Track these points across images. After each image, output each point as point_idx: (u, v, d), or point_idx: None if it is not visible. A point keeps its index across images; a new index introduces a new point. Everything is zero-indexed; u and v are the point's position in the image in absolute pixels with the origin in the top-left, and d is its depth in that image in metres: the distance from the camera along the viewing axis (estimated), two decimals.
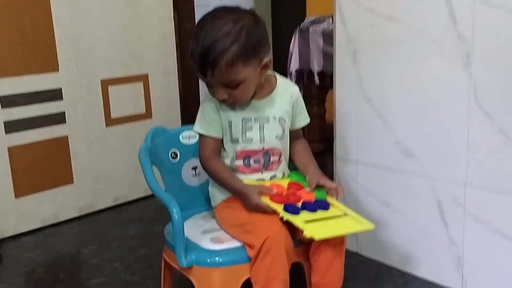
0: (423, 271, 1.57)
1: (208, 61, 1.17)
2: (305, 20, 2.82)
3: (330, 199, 1.26)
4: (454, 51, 1.38)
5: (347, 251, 1.72)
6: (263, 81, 1.29)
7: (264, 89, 1.32)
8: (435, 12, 1.40)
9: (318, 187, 1.27)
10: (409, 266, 1.60)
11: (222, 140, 1.32)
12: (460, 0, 1.34)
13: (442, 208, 1.48)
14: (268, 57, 1.25)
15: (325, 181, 1.27)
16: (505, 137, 1.31)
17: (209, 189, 1.38)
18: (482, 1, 1.30)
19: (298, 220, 1.15)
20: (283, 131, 1.32)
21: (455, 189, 1.44)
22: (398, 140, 1.55)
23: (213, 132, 1.29)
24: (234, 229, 1.26)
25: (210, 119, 1.29)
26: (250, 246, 1.17)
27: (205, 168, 1.32)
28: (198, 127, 1.31)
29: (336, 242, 1.20)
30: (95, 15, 2.11)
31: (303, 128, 1.44)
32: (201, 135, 1.32)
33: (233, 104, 1.27)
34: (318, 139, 2.98)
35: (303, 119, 1.39)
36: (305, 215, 1.18)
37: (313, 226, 1.15)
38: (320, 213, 1.20)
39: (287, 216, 1.16)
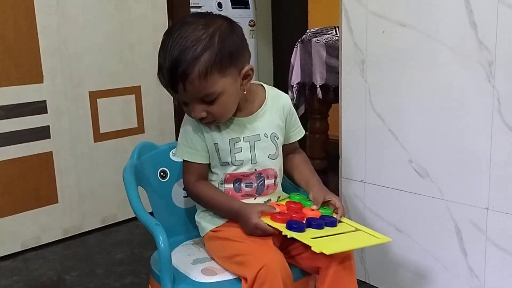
0: None
1: (178, 74, 1.02)
2: (307, 32, 2.72)
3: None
4: (475, 60, 1.25)
5: None
6: (247, 93, 1.13)
7: (250, 103, 1.16)
8: (452, 17, 1.27)
9: (324, 204, 1.15)
10: None
11: (208, 165, 1.17)
12: (481, 3, 1.21)
13: (461, 234, 1.34)
14: (249, 66, 1.10)
15: (331, 197, 1.15)
16: None
17: (195, 217, 1.23)
18: (506, 3, 1.17)
19: (304, 237, 1.03)
20: (277, 149, 1.18)
21: (476, 213, 1.30)
22: (411, 159, 1.41)
23: (199, 158, 1.14)
24: (225, 260, 1.12)
25: (193, 143, 1.14)
26: (243, 279, 1.03)
27: (192, 195, 1.18)
28: (181, 153, 1.16)
29: (344, 259, 1.07)
30: (82, 22, 1.99)
31: (304, 145, 1.30)
32: (185, 162, 1.17)
33: (213, 123, 1.11)
34: (321, 156, 2.84)
35: (298, 132, 1.24)
36: (311, 232, 1.06)
37: (322, 242, 1.03)
38: (327, 230, 1.09)
39: (291, 234, 1.03)
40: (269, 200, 1.19)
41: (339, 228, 1.11)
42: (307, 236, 1.04)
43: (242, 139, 1.14)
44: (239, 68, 1.08)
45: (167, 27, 2.25)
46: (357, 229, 1.12)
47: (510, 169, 1.23)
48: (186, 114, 1.17)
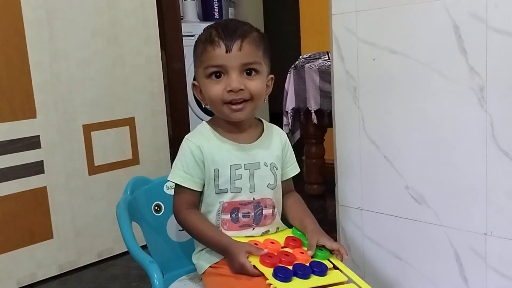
0: None
1: (237, 32, 1.09)
2: (300, 58, 2.74)
3: (334, 260, 1.10)
4: (466, 85, 1.24)
5: None
6: (249, 120, 1.17)
7: (252, 130, 1.18)
8: (442, 43, 1.27)
9: (320, 246, 1.11)
10: None
11: (201, 193, 1.16)
12: (470, 29, 1.22)
13: (461, 261, 1.32)
14: (273, 77, 1.18)
15: (325, 241, 1.10)
16: None
17: (193, 260, 1.21)
18: (495, 29, 1.18)
19: None
20: (275, 179, 1.17)
21: (475, 239, 1.28)
22: (408, 185, 1.40)
23: (192, 184, 1.13)
24: None
25: (190, 169, 1.13)
26: None
27: (182, 223, 1.15)
28: (176, 177, 1.14)
29: None
30: (75, 57, 1.99)
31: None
32: (177, 186, 1.15)
33: (243, 109, 1.11)
34: (318, 181, 2.84)
35: (293, 169, 1.24)
36: (298, 282, 1.01)
37: None
38: (315, 280, 1.03)
39: (275, 284, 0.99)
40: (267, 231, 1.17)
41: (329, 278, 1.05)
42: None
43: (243, 166, 1.13)
44: (269, 70, 1.15)
45: (160, 59, 2.27)
46: (347, 282, 1.05)
47: (506, 194, 1.21)
48: (184, 141, 1.16)
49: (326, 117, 2.54)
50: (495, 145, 1.22)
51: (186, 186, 1.13)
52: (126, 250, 2.11)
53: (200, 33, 1.15)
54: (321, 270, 1.05)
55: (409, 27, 1.34)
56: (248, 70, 1.10)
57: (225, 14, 4.16)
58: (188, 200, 1.14)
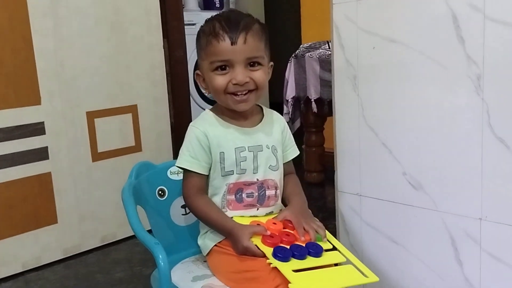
0: None
1: (241, 25, 1.12)
2: (300, 47, 2.76)
3: (334, 241, 1.14)
4: (463, 74, 1.27)
5: None
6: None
7: (254, 115, 1.23)
8: (440, 33, 1.30)
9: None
10: None
11: (207, 177, 1.20)
12: (468, 18, 1.25)
13: (456, 245, 1.35)
14: (271, 64, 1.23)
15: (305, 225, 1.14)
16: None
17: (198, 241, 1.25)
18: (492, 19, 1.20)
19: (286, 268, 1.02)
20: (277, 161, 1.22)
21: (470, 224, 1.32)
22: (405, 171, 1.44)
23: (199, 168, 1.17)
24: (232, 276, 1.13)
25: (196, 154, 1.17)
26: None
27: (190, 207, 1.20)
28: (183, 162, 1.18)
29: None
30: (79, 45, 2.03)
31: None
32: (185, 172, 1.19)
33: (248, 100, 1.16)
34: (317, 169, 2.88)
35: (293, 152, 1.30)
36: (295, 262, 1.05)
37: (302, 277, 1.02)
38: (311, 260, 1.07)
39: (275, 263, 1.03)
40: (271, 212, 1.21)
41: (325, 259, 1.09)
42: (289, 268, 1.02)
43: (247, 148, 1.18)
44: (269, 59, 1.20)
45: (162, 47, 2.30)
46: (341, 263, 1.09)
47: (501, 179, 1.25)
48: (190, 128, 1.20)
49: (326, 106, 2.57)
50: (490, 132, 1.25)
51: (194, 170, 1.17)
52: (129, 235, 2.19)
53: (202, 24, 1.19)
54: (316, 252, 1.09)
55: (408, 16, 1.37)
56: (252, 63, 1.14)
57: (226, 3, 4.18)
58: (196, 185, 1.18)
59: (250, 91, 1.15)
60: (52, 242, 2.00)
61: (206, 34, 1.14)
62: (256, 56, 1.14)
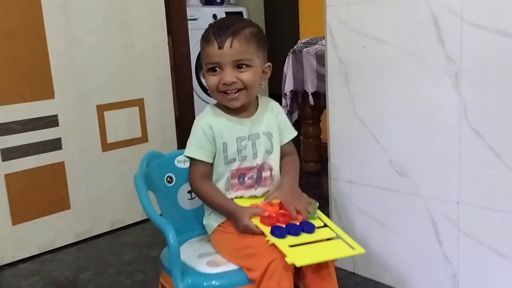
0: None
1: (229, 31, 1.24)
2: (298, 43, 2.86)
3: (325, 219, 1.27)
4: (443, 71, 1.41)
5: (344, 271, 1.74)
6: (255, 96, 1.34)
7: (251, 106, 1.35)
8: (423, 34, 1.43)
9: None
10: (406, 285, 1.60)
11: (211, 165, 1.33)
12: (448, 21, 1.38)
13: (437, 227, 1.49)
14: (270, 65, 1.33)
15: (296, 205, 1.26)
16: (495, 155, 1.33)
17: (203, 221, 1.38)
18: (469, 22, 1.33)
19: (283, 244, 1.15)
20: (272, 145, 1.34)
21: (449, 207, 1.46)
22: (391, 160, 1.57)
23: (204, 156, 1.30)
24: (234, 252, 1.26)
25: (202, 144, 1.30)
26: (251, 269, 1.18)
27: (196, 192, 1.33)
28: (191, 152, 1.31)
29: (320, 266, 1.20)
30: (89, 43, 2.14)
31: (298, 149, 1.45)
32: (192, 160, 1.33)
33: (238, 98, 1.28)
34: (314, 159, 3.00)
35: (290, 133, 1.41)
36: (291, 239, 1.18)
37: (297, 252, 1.14)
38: (304, 236, 1.20)
39: (272, 240, 1.16)
40: (268, 191, 1.34)
41: (317, 234, 1.20)
42: (285, 244, 1.14)
43: (247, 137, 1.31)
44: (265, 60, 1.30)
45: (166, 44, 2.42)
46: (332, 238, 1.21)
47: (476, 167, 1.38)
48: (196, 120, 1.32)
49: (322, 99, 2.67)
50: (467, 125, 1.38)
51: (199, 159, 1.30)
52: (137, 220, 2.32)
53: (202, 22, 1.32)
54: (309, 229, 1.22)
55: (394, 18, 1.50)
56: (240, 65, 1.26)
57: None
58: (201, 171, 1.31)
59: (239, 90, 1.27)
60: (65, 226, 2.13)
61: (203, 39, 1.28)
62: (243, 58, 1.25)
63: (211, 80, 1.27)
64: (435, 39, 1.41)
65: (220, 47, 1.24)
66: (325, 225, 1.26)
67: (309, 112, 2.88)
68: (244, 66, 1.25)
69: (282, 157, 1.40)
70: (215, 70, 1.27)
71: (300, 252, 1.14)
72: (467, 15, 1.34)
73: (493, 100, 1.32)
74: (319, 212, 1.29)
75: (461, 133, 1.40)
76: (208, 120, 1.31)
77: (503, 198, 1.34)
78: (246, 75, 1.26)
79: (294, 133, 1.42)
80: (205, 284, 1.22)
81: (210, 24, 1.30)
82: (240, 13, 4.02)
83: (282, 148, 1.39)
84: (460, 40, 1.36)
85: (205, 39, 1.26)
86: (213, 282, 1.22)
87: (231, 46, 1.23)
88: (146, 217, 2.36)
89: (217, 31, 1.25)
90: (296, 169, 1.39)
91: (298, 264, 1.10)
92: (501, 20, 1.28)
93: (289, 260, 1.10)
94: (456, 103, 1.39)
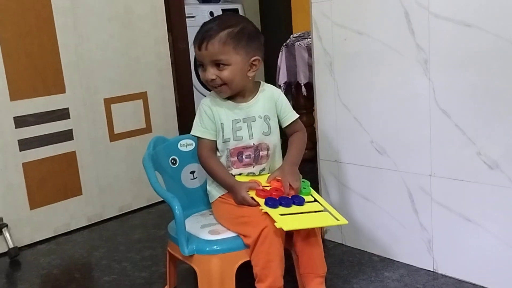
0: (399, 255, 1.75)
1: (206, 35, 1.41)
2: (291, 37, 3.01)
3: (316, 195, 1.44)
4: (414, 59, 1.58)
5: (333, 242, 1.92)
6: (251, 85, 1.50)
7: (249, 93, 1.51)
8: (396, 26, 1.60)
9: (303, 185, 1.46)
10: (387, 251, 1.78)
11: (216, 141, 1.50)
12: (417, 14, 1.54)
13: (413, 198, 1.66)
14: (258, 58, 1.46)
15: (291, 183, 1.43)
16: (460, 131, 1.50)
17: (207, 187, 1.56)
18: (435, 14, 1.50)
19: (274, 213, 1.32)
20: (269, 127, 1.51)
21: (422, 180, 1.63)
22: (372, 140, 1.74)
23: (208, 135, 1.48)
24: (232, 221, 1.44)
25: (205, 124, 1.48)
26: (246, 236, 1.36)
27: (203, 166, 1.51)
28: (197, 132, 1.49)
29: (308, 234, 1.38)
30: (95, 40, 2.31)
31: None
32: (198, 138, 1.50)
33: (222, 89, 1.45)
34: (309, 147, 3.11)
35: (291, 116, 1.55)
36: (282, 209, 1.35)
37: (286, 219, 1.31)
38: (295, 208, 1.37)
39: (265, 209, 1.33)
40: (263, 169, 1.51)
41: (306, 207, 1.38)
42: (276, 213, 1.32)
43: (241, 120, 1.48)
44: (250, 55, 1.45)
45: (167, 40, 2.59)
46: (321, 210, 1.38)
47: (445, 143, 1.55)
48: (200, 104, 1.51)
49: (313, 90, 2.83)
50: (436, 106, 1.55)
51: (204, 137, 1.48)
52: (143, 205, 2.50)
53: (199, 19, 1.48)
54: (299, 201, 1.40)
55: (371, 13, 1.67)
56: (218, 64, 1.43)
57: None
58: (207, 147, 1.49)
59: (221, 84, 1.45)
60: (78, 211, 2.31)
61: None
62: (219, 59, 1.41)
63: (201, 75, 1.48)
64: (407, 30, 1.58)
65: (199, 49, 1.44)
66: (315, 200, 1.43)
67: (302, 102, 3.00)
68: (221, 65, 1.43)
69: (290, 134, 1.56)
70: (203, 67, 1.46)
71: (288, 219, 1.32)
72: (433, 8, 1.51)
73: (458, 83, 1.49)
74: (311, 190, 1.46)
75: (431, 113, 1.57)
76: (210, 103, 1.50)
77: (468, 169, 1.51)
78: (225, 73, 1.43)
79: (295, 116, 1.56)
80: (207, 248, 1.40)
81: (203, 25, 1.47)
82: (236, 10, 4.16)
83: (289, 127, 1.55)
84: (428, 31, 1.53)
85: (194, 41, 1.45)
86: (214, 247, 1.40)
87: (206, 49, 1.42)
88: (151, 202, 2.55)
89: (198, 34, 1.44)
90: (300, 145, 1.55)
91: (286, 228, 1.27)
92: (462, 12, 1.45)
93: (278, 225, 1.28)
94: (426, 87, 1.56)
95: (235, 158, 1.49)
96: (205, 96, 1.58)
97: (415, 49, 1.57)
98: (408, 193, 1.67)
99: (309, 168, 3.06)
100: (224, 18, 1.51)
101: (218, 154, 1.51)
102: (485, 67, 1.43)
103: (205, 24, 1.46)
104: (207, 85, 1.49)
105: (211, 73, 1.43)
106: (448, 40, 1.49)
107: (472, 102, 1.48)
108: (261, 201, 1.37)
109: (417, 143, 1.62)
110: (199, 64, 1.47)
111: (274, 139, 1.54)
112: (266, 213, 1.33)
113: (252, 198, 1.40)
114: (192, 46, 3.25)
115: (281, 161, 1.55)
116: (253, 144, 1.49)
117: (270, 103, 1.53)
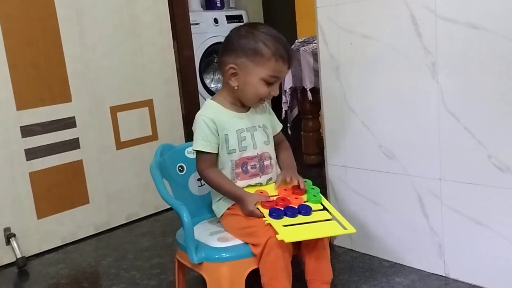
0: (410, 261, 1.73)
1: (292, 53, 1.45)
2: (295, 42, 3.01)
3: (326, 203, 1.42)
4: (422, 62, 1.57)
5: (342, 248, 1.91)
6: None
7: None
8: (403, 29, 1.59)
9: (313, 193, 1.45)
10: (398, 257, 1.76)
11: (217, 155, 1.48)
12: (423, 17, 1.54)
13: (422, 202, 1.65)
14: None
15: (293, 177, 1.46)
16: (470, 134, 1.49)
17: (213, 207, 1.54)
18: (442, 17, 1.50)
19: (277, 224, 1.30)
20: (268, 137, 1.51)
21: (432, 184, 1.61)
22: (381, 144, 1.73)
23: (211, 148, 1.45)
24: (240, 231, 1.42)
25: (207, 137, 1.45)
26: (254, 245, 1.35)
27: (206, 179, 1.48)
28: (198, 145, 1.45)
29: (315, 241, 1.37)
30: (101, 49, 2.31)
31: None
32: (199, 153, 1.47)
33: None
34: (315, 152, 3.14)
35: (279, 125, 1.60)
36: (286, 220, 1.33)
37: (289, 230, 1.29)
38: (300, 218, 1.35)
39: (269, 220, 1.32)
40: (270, 179, 1.50)
41: (313, 216, 1.35)
42: (280, 224, 1.30)
43: (245, 130, 1.47)
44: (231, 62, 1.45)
45: (172, 48, 2.59)
46: (327, 219, 1.35)
47: (454, 146, 1.54)
48: (197, 116, 1.48)
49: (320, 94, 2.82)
50: (444, 108, 1.54)
51: (205, 151, 1.45)
52: (150, 213, 2.49)
53: (254, 33, 1.43)
54: (306, 211, 1.37)
55: (377, 16, 1.66)
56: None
57: (227, 3, 4.43)
58: (208, 161, 1.46)
59: None
60: (85, 219, 2.30)
61: (272, 52, 1.40)
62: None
63: (263, 89, 1.43)
64: (414, 34, 1.57)
65: (289, 67, 1.44)
66: (324, 208, 1.41)
67: (308, 107, 3.00)
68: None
69: (277, 143, 1.57)
70: (271, 83, 1.43)
71: (292, 231, 1.30)
72: (440, 11, 1.50)
73: (466, 85, 1.48)
74: (322, 197, 1.44)
75: (439, 116, 1.56)
76: (210, 114, 1.46)
77: (479, 172, 1.50)
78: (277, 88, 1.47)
79: (281, 126, 1.61)
80: (216, 256, 1.39)
81: (274, 38, 1.43)
82: (240, 16, 4.17)
83: (276, 136, 1.57)
84: (435, 33, 1.52)
85: (278, 54, 1.40)
86: (224, 254, 1.39)
87: (290, 67, 1.46)
88: (158, 210, 2.54)
89: (282, 49, 1.41)
90: (291, 153, 1.59)
91: (287, 240, 1.26)
92: (469, 14, 1.44)
93: (279, 237, 1.26)
94: (434, 89, 1.55)
95: (240, 170, 1.48)
96: None
97: (423, 52, 1.56)
98: (417, 197, 1.66)
99: (316, 173, 3.07)
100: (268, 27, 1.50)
101: (220, 166, 1.50)
102: (493, 69, 1.42)
103: (281, 38, 1.45)
104: (258, 100, 1.47)
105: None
106: (456, 42, 1.49)
107: (481, 104, 1.46)
108: (266, 212, 1.36)
109: (426, 146, 1.61)
110: (269, 79, 1.42)
111: (273, 149, 1.54)
112: (270, 226, 1.32)
113: (258, 208, 1.39)
114: (199, 53, 3.26)
115: (279, 170, 1.55)
116: (257, 154, 1.48)
117: (265, 113, 1.55)
